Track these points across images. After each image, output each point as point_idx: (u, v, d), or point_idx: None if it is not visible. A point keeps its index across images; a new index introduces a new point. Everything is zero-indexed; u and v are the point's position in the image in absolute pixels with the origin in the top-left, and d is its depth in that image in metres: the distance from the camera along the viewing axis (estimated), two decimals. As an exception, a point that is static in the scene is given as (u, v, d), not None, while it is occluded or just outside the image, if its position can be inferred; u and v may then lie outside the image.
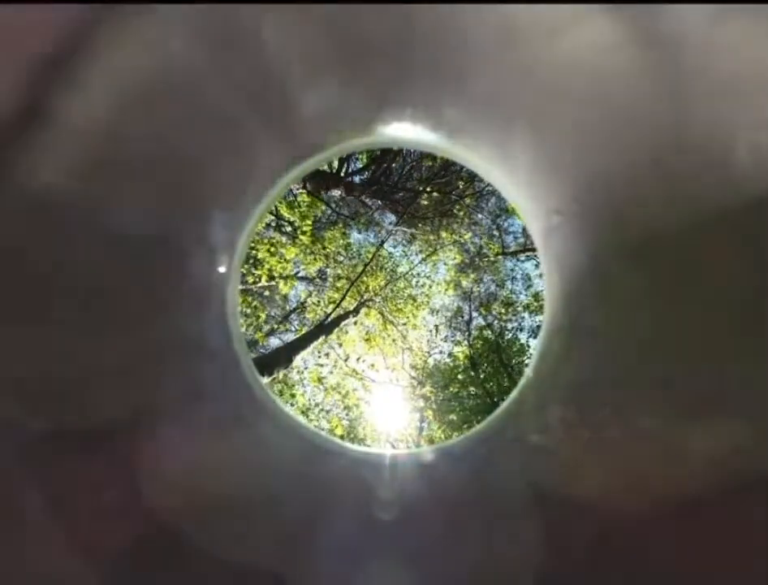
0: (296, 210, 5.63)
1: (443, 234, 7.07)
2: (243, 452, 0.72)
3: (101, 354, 0.57)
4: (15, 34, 0.42)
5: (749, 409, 0.49)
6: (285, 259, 5.52)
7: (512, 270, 7.92)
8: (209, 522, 0.57)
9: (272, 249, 5.43)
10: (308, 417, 6.34)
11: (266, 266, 5.48)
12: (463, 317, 8.12)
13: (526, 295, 7.82)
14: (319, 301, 7.13)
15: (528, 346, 7.41)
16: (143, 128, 0.55)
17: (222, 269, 0.72)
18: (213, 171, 0.65)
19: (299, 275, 6.66)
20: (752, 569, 0.46)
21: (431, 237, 7.19)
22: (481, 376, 7.43)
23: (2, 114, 0.44)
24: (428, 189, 6.16)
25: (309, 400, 6.70)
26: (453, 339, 8.10)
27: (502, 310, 7.91)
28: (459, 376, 7.55)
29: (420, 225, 7.05)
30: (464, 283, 7.78)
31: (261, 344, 6.69)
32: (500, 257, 7.69)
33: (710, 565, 0.48)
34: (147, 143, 0.56)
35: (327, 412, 6.94)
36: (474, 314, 8.13)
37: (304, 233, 5.70)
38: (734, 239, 0.50)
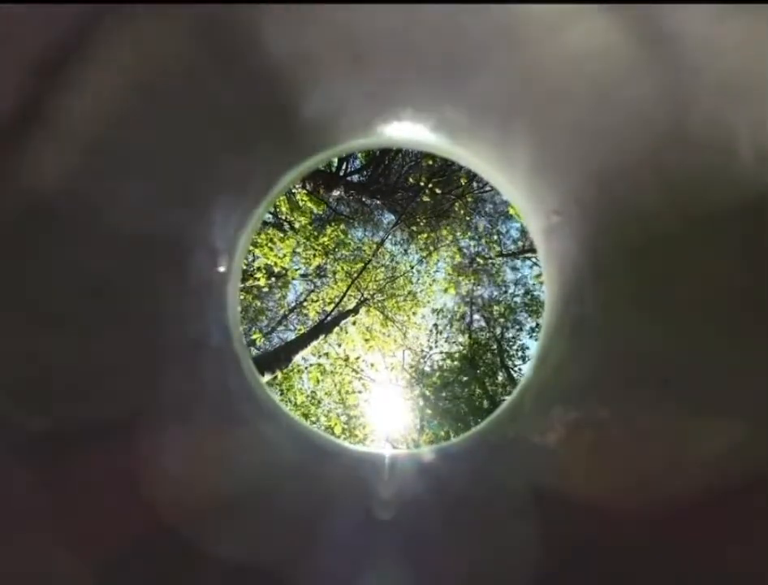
0: (294, 209, 5.62)
1: (443, 232, 7.07)
2: (243, 452, 0.72)
3: (101, 354, 0.57)
4: (15, 34, 0.42)
5: (749, 409, 0.49)
6: (283, 254, 5.48)
7: (512, 269, 7.93)
8: (208, 521, 0.57)
9: (269, 244, 5.39)
10: (306, 416, 6.32)
11: (264, 262, 5.45)
12: (464, 318, 8.12)
13: (525, 296, 7.82)
14: (318, 299, 7.12)
15: (528, 346, 7.41)
16: (143, 129, 0.55)
17: (222, 269, 0.72)
18: (214, 172, 0.65)
19: (299, 272, 6.64)
20: (752, 569, 0.46)
21: (431, 235, 7.19)
22: (482, 375, 7.42)
23: (2, 115, 0.43)
24: (429, 186, 6.15)
25: (308, 398, 6.69)
26: (453, 339, 8.10)
27: (503, 311, 7.90)
28: (459, 376, 7.54)
29: (419, 223, 7.04)
30: (464, 283, 7.77)
31: (259, 343, 6.68)
32: (499, 258, 7.69)
33: (711, 565, 0.48)
34: (147, 144, 0.56)
35: (326, 410, 6.93)
36: (476, 317, 8.13)
37: (302, 227, 5.68)
38: (734, 239, 0.50)
